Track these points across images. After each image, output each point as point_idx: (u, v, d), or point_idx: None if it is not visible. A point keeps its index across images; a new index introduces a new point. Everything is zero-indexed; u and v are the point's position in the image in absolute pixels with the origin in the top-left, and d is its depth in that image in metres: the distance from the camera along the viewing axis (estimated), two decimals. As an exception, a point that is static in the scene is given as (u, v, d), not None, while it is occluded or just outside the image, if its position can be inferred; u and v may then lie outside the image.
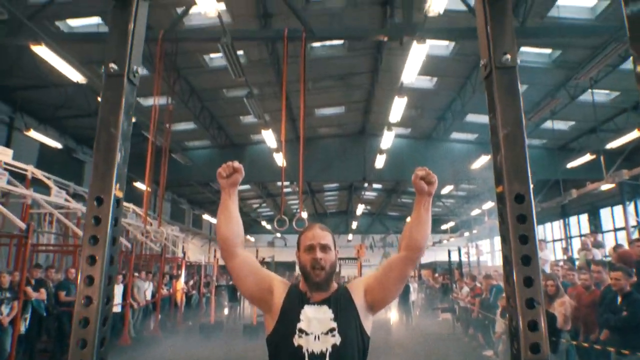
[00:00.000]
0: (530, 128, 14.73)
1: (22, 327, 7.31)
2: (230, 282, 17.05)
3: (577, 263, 10.40)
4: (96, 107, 11.80)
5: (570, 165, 14.31)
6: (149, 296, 11.75)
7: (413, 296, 15.10)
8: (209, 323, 12.65)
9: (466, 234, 26.93)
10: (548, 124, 14.78)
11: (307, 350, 1.70)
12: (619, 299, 4.76)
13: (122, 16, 1.35)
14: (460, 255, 15.83)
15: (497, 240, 31.15)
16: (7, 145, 11.87)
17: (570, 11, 9.51)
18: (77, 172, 15.51)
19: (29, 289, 7.43)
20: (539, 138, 16.51)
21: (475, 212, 24.80)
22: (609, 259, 10.09)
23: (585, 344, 5.17)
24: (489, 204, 21.83)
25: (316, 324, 1.74)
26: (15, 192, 9.90)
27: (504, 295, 8.02)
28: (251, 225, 33.99)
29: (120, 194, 1.28)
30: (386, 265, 1.91)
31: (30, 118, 13.11)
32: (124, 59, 1.35)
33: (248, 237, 33.62)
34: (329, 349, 1.70)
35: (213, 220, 27.56)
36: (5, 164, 9.74)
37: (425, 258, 24.62)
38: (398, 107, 10.33)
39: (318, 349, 1.70)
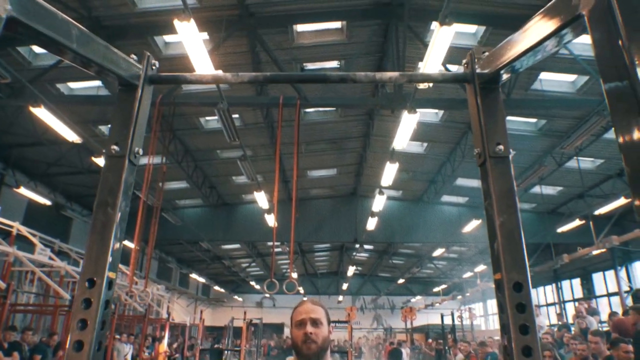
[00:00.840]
0: (519, 193, 14.96)
1: (-9, 396, 6.86)
2: (215, 346, 16.34)
3: (572, 330, 10.20)
4: (89, 164, 11.85)
5: (560, 229, 14.41)
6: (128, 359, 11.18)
7: (406, 362, 14.54)
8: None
9: (459, 297, 26.48)
10: (537, 189, 15.04)
11: None
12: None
13: (127, 100, 1.39)
14: (453, 320, 15.46)
15: (490, 303, 30.58)
16: (-5, 201, 11.75)
17: (553, 85, 10.00)
18: (63, 228, 15.26)
19: (0, 354, 7.05)
20: (528, 202, 16.73)
21: (467, 274, 24.53)
22: (605, 326, 9.91)
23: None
24: (481, 267, 21.66)
25: None
26: (-3, 249, 9.68)
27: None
28: (239, 285, 33.17)
29: (113, 276, 1.26)
30: None
31: (22, 174, 13.08)
32: (126, 140, 1.37)
33: (236, 297, 32.71)
34: None
35: (201, 280, 26.90)
36: (-8, 220, 9.59)
37: (418, 321, 23.94)
38: (389, 172, 10.50)
39: None
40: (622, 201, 11.21)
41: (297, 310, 1.85)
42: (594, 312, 10.43)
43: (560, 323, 10.85)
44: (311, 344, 1.72)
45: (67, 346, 1.20)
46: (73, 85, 10.20)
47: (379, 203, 12.71)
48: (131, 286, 9.04)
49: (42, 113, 7.59)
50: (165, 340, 13.99)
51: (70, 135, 8.47)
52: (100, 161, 9.79)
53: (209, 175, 15.53)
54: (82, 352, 1.19)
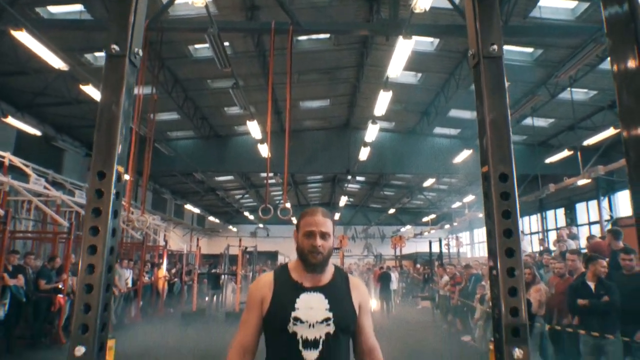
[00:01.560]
0: (511, 124, 15.01)
1: (1, 312, 7.23)
2: (212, 270, 17.04)
3: (552, 254, 10.74)
4: (77, 94, 11.59)
5: (548, 160, 14.67)
6: (130, 284, 11.68)
7: (394, 285, 15.36)
8: (190, 311, 12.65)
9: (447, 226, 27.39)
10: (529, 121, 15.09)
11: (302, 337, 1.76)
12: (593, 286, 5.00)
13: (124, -1, 1.38)
14: (441, 247, 16.13)
15: (476, 232, 31.76)
16: (-16, 131, 11.61)
17: (552, 12, 9.72)
18: (56, 160, 15.21)
19: (6, 276, 7.34)
20: (519, 134, 16.85)
21: (456, 204, 25.20)
22: (583, 250, 10.42)
23: (558, 327, 5.40)
24: (470, 197, 22.23)
25: (311, 313, 1.78)
26: (-9, 179, 9.72)
27: (483, 283, 8.25)
28: (234, 216, 33.90)
29: (121, 170, 1.32)
30: (363, 329, 1.91)
31: (8, 105, 12.80)
32: (125, 40, 1.38)
33: (230, 227, 33.54)
34: (323, 337, 1.77)
35: (195, 210, 27.39)
36: (-18, 150, 9.52)
37: (407, 250, 24.94)
38: (383, 101, 10.42)
39: (312, 336, 1.76)
40: (610, 132, 11.35)
41: (307, 220, 1.90)
42: (574, 237, 10.94)
43: (542, 248, 11.39)
44: (318, 255, 1.82)
45: (80, 264, 1.26)
46: (53, 9, 9.71)
47: (371, 133, 12.73)
48: (128, 213, 9.28)
49: (24, 37, 7.30)
50: (164, 266, 14.52)
51: (55, 61, 8.20)
52: (89, 89, 9.58)
53: (200, 106, 15.32)
54: (97, 237, 1.26)
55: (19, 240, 10.88)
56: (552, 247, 11.87)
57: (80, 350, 1.07)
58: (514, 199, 1.16)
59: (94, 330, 1.14)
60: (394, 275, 15.59)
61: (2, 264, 7.23)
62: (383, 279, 14.86)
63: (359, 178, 24.03)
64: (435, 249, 16.63)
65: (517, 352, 1.03)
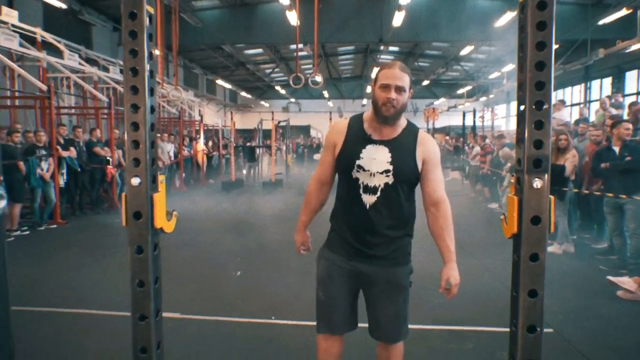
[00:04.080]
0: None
1: (61, 182, 7.95)
2: (248, 143, 17.65)
3: (592, 122, 10.37)
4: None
5: (602, 22, 13.36)
6: (172, 157, 12.35)
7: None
8: (230, 181, 13.44)
9: (482, 98, 26.51)
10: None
11: (363, 183, 1.95)
12: (617, 150, 5.01)
13: None
14: (475, 118, 15.85)
15: (514, 105, 30.72)
16: (10, 5, 11.42)
17: None
18: (85, 35, 15.08)
19: (59, 148, 7.88)
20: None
21: (493, 75, 24.01)
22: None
23: (586, 191, 5.52)
24: (510, 66, 21.05)
25: (374, 163, 1.93)
26: (29, 54, 9.85)
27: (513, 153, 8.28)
28: (265, 91, 33.79)
29: (151, 10, 1.30)
30: (430, 182, 2.00)
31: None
32: None
33: (262, 102, 33.69)
34: (382, 186, 1.94)
35: (227, 86, 27.39)
36: (13, 26, 9.49)
37: (440, 123, 24.68)
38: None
39: (372, 184, 1.94)
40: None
41: (384, 72, 1.93)
42: (619, 106, 10.33)
43: (580, 117, 10.97)
44: (391, 107, 1.89)
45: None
46: None
47: (407, -5, 11.74)
48: (162, 86, 9.40)
49: None
50: (202, 140, 15.10)
51: None
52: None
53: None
54: (137, 78, 1.28)
55: (64, 117, 11.36)
56: (592, 117, 11.44)
57: (136, 180, 1.19)
58: (551, 30, 1.12)
59: (145, 164, 1.22)
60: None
61: (53, 137, 7.71)
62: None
63: (392, 48, 22.93)
64: (469, 121, 16.36)
65: (537, 182, 1.07)
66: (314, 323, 2.13)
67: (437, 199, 1.98)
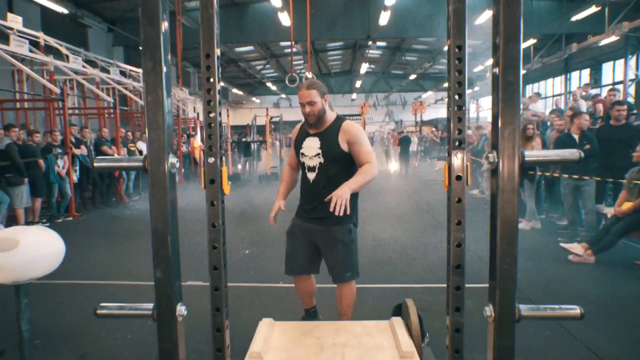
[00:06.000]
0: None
1: (75, 177, 8.58)
2: (244, 139, 18.27)
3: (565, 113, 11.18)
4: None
5: (575, 18, 14.19)
6: (172, 153, 12.92)
7: (413, 147, 16.38)
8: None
9: (468, 91, 27.22)
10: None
11: (306, 164, 2.77)
12: (577, 138, 5.77)
13: None
14: (459, 111, 16.54)
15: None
16: (10, 10, 11.87)
17: None
18: (81, 37, 15.53)
19: (72, 146, 8.49)
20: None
21: (477, 68, 24.81)
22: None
23: (548, 174, 6.33)
24: (492, 61, 21.81)
25: (310, 149, 2.73)
26: (37, 59, 10.37)
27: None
28: (256, 87, 34.30)
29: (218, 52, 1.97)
30: (356, 154, 2.64)
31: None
32: None
33: (253, 98, 34.19)
34: (317, 165, 2.71)
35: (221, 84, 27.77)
36: (18, 31, 10.00)
37: (428, 115, 25.45)
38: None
39: (311, 164, 2.74)
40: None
41: (299, 94, 2.74)
42: (587, 97, 11.12)
43: (554, 107, 11.76)
44: (311, 116, 2.72)
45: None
46: None
47: (391, -4, 12.45)
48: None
49: None
50: (198, 137, 15.68)
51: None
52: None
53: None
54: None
55: (72, 117, 11.89)
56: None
57: (211, 159, 1.83)
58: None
59: (217, 149, 1.86)
60: (413, 139, 16.50)
61: (67, 136, 8.33)
62: (403, 143, 15.80)
63: (379, 44, 23.60)
64: (455, 113, 17.07)
65: (459, 154, 1.69)
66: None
67: (362, 163, 2.60)
